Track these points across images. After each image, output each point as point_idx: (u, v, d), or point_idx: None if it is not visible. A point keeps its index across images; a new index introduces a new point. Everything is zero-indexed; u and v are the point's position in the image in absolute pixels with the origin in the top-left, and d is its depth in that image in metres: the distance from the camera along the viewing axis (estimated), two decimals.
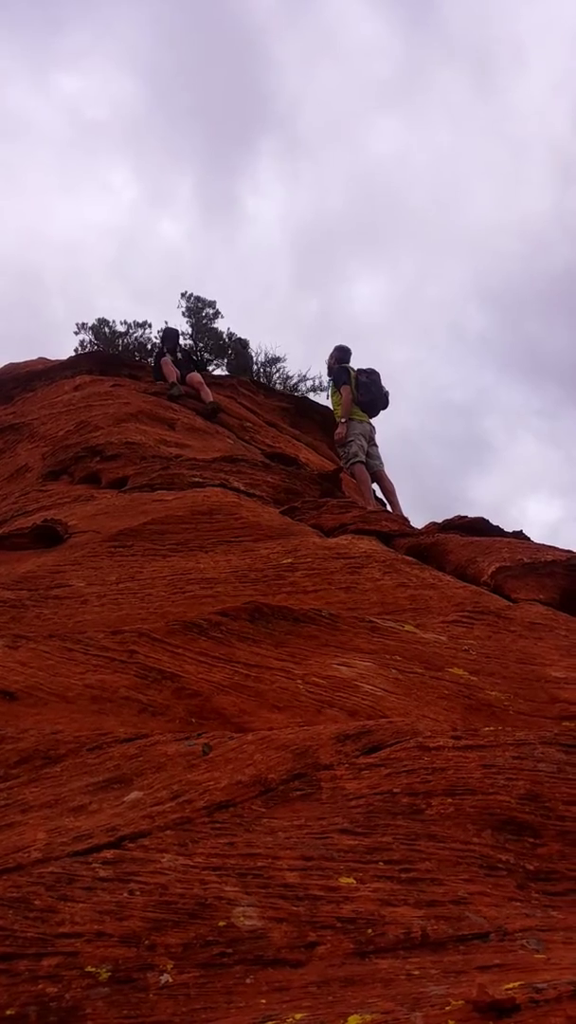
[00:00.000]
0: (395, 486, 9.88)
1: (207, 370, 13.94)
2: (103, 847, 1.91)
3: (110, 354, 15.67)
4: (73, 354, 15.74)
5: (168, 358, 12.17)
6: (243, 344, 17.45)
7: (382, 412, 10.19)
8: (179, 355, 12.67)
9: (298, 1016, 1.37)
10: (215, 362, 17.36)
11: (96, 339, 18.06)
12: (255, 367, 17.69)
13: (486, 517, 5.90)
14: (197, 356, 14.15)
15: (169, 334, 13.44)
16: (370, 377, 10.01)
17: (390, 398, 10.17)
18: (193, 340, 17.69)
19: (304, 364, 24.86)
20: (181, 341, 14.20)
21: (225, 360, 17.50)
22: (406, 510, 9.33)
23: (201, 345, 17.45)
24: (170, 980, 1.52)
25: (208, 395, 11.52)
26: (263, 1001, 1.48)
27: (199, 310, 18.49)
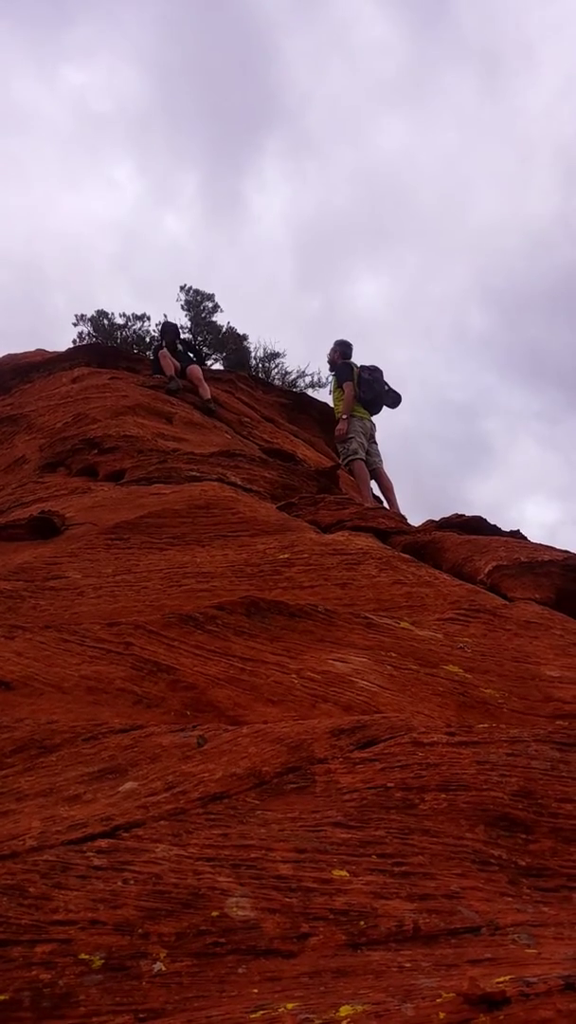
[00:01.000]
0: (394, 484, 9.88)
1: (207, 364, 13.88)
2: (98, 836, 1.92)
3: (108, 346, 15.64)
4: (71, 346, 15.73)
5: (166, 351, 12.12)
6: (240, 337, 17.43)
7: (392, 411, 10.16)
8: (179, 347, 12.62)
9: (290, 1006, 1.38)
10: (213, 356, 17.34)
11: (95, 331, 18.01)
12: (254, 362, 17.67)
13: (483, 516, 5.92)
14: (198, 350, 14.09)
15: (168, 327, 13.40)
16: (373, 374, 9.97)
17: (401, 396, 10.10)
18: (192, 334, 17.67)
19: (305, 361, 24.86)
20: (182, 335, 14.16)
21: (223, 354, 17.49)
22: (405, 509, 9.33)
23: (200, 339, 17.42)
24: (163, 968, 1.53)
25: (206, 391, 11.47)
26: (255, 991, 1.49)
27: (198, 303, 18.46)
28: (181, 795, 2.15)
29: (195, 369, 11.95)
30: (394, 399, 10.08)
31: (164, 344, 12.53)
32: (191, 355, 12.53)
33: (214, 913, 1.66)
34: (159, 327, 17.35)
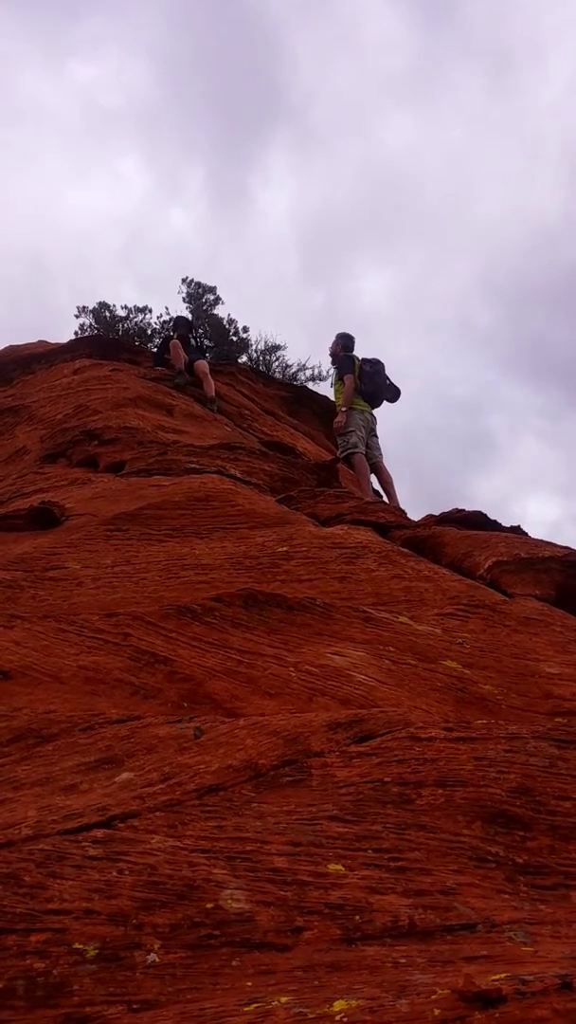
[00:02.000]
0: (394, 479, 9.85)
1: (207, 357, 13.82)
2: (93, 826, 1.92)
3: (110, 338, 15.60)
4: (73, 337, 15.70)
5: (178, 342, 12.01)
6: (224, 321, 17.38)
7: (392, 405, 10.12)
8: (192, 342, 12.57)
9: (283, 1000, 1.37)
10: (212, 346, 17.30)
11: (96, 323, 17.96)
12: (255, 355, 17.64)
13: (484, 511, 5.91)
14: (202, 346, 14.02)
15: (182, 321, 13.34)
16: (374, 367, 9.93)
17: (400, 390, 10.08)
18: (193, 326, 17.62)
19: (306, 354, 24.82)
20: (194, 331, 14.14)
21: (223, 347, 17.44)
22: (406, 505, 9.28)
23: (201, 331, 17.38)
24: (157, 960, 1.52)
25: (211, 388, 11.40)
26: (249, 984, 1.48)
27: (199, 296, 18.40)
28: (177, 786, 2.14)
29: (202, 364, 11.86)
30: (394, 393, 10.04)
31: (176, 336, 12.44)
32: (199, 353, 12.48)
33: (208, 905, 1.65)
34: (161, 319, 17.36)
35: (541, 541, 5.13)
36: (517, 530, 5.66)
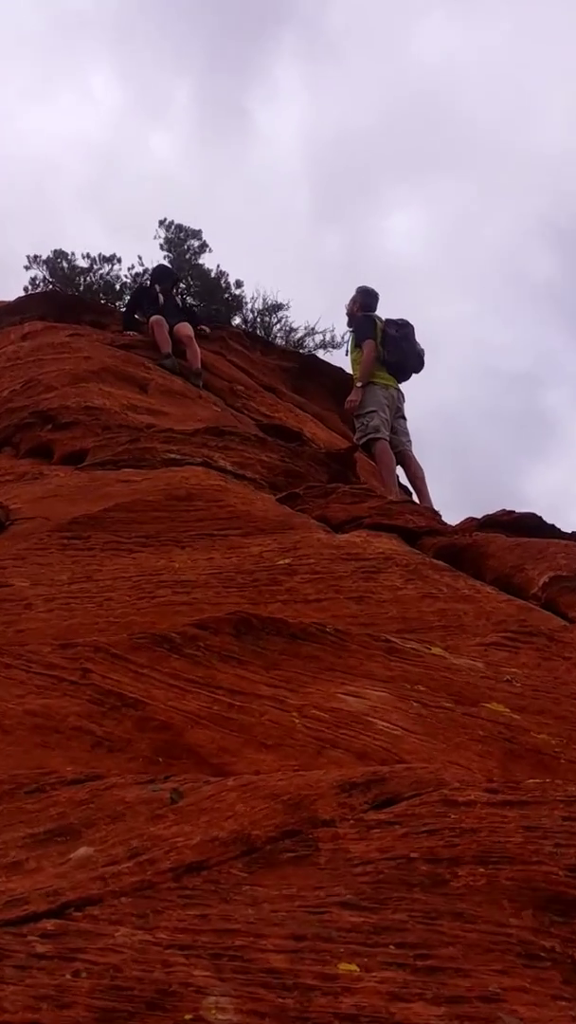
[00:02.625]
0: (425, 472, 9.84)
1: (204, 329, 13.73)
2: (42, 916, 1.91)
3: (68, 295, 15.69)
4: (22, 294, 15.76)
5: (161, 319, 11.94)
6: (212, 273, 17.49)
7: (415, 376, 10.10)
8: (178, 300, 12.58)
9: None
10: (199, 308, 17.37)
11: (52, 276, 18.03)
12: (251, 315, 17.69)
13: (539, 513, 5.91)
14: (183, 301, 14.01)
15: (164, 272, 13.32)
16: (401, 331, 9.89)
17: (425, 358, 10.05)
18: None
19: (316, 314, 24.80)
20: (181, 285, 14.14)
21: (214, 307, 17.50)
22: (442, 505, 9.31)
23: (183, 285, 17.44)
24: None
25: (196, 358, 11.41)
26: None
27: (181, 242, 18.46)
28: (149, 865, 2.14)
29: (185, 328, 11.88)
30: (419, 361, 10.00)
31: (160, 292, 12.40)
32: (182, 314, 12.46)
33: (187, 1016, 1.65)
34: (133, 271, 17.40)
35: None
36: None
